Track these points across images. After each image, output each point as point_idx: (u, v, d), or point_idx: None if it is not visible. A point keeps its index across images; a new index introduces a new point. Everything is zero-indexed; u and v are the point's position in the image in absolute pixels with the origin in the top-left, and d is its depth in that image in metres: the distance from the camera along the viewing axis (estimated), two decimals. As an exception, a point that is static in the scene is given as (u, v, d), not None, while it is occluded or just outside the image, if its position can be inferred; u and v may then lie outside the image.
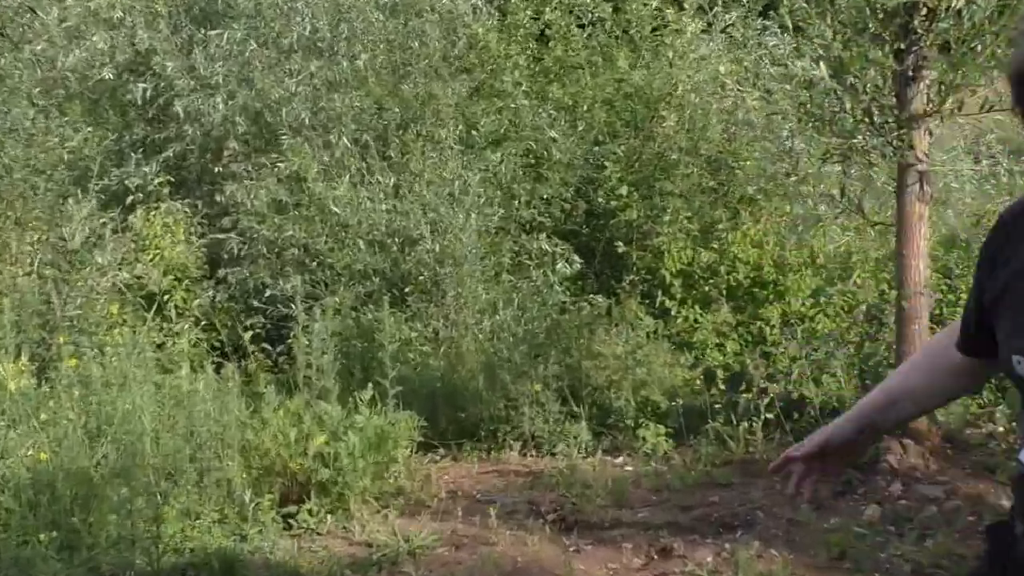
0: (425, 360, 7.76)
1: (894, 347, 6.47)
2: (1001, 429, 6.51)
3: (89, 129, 9.30)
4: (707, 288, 8.51)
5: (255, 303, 8.41)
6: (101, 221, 8.30)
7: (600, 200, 9.57)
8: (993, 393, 6.68)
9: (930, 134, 6.17)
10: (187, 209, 8.94)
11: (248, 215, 8.64)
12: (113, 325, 7.67)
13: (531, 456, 6.91)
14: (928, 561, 5.07)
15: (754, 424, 6.55)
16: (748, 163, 9.27)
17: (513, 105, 9.54)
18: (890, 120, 6.10)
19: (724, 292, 8.45)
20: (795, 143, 7.67)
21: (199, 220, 9.05)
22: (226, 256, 8.78)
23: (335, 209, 8.38)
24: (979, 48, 5.75)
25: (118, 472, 5.52)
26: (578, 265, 8.90)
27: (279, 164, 8.71)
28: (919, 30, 5.88)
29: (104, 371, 6.18)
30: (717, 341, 8.18)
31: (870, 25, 5.94)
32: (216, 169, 9.22)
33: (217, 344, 8.13)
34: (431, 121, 9.09)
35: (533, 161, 9.54)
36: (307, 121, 8.82)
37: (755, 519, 5.70)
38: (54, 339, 7.25)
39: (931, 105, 6.02)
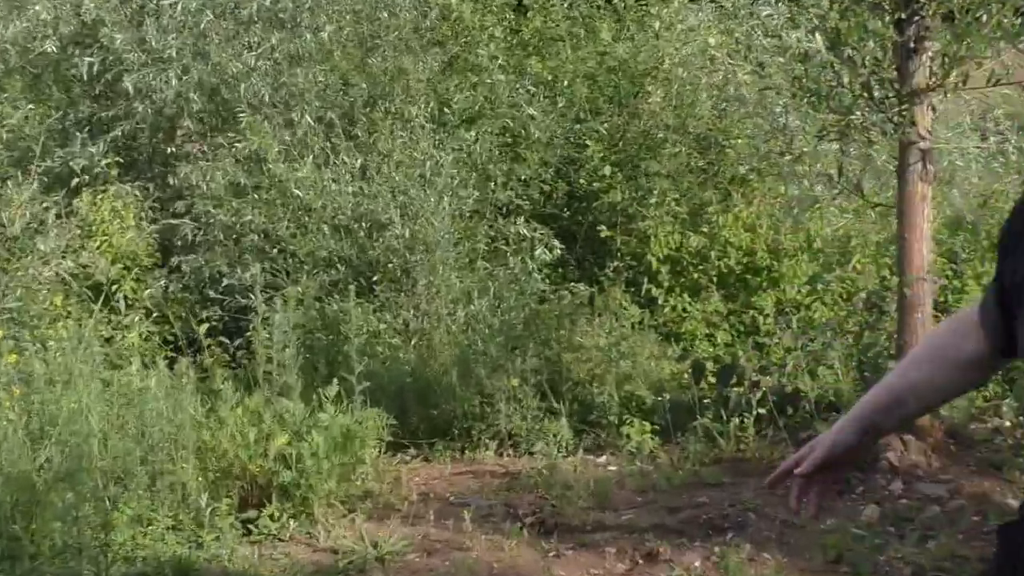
0: (394, 354, 7.75)
1: (895, 337, 6.50)
2: (1008, 424, 6.55)
3: (30, 106, 9.25)
4: (696, 275, 8.54)
5: (211, 293, 8.40)
6: (44, 206, 8.25)
7: (582, 181, 9.59)
8: (1000, 385, 6.72)
9: (933, 110, 6.19)
10: (137, 192, 8.91)
11: (204, 199, 8.62)
12: (57, 318, 7.62)
13: (508, 455, 6.92)
14: (930, 564, 5.09)
15: (746, 420, 6.56)
16: (739, 141, 9.30)
17: (489, 80, 9.54)
18: (890, 95, 6.12)
19: (714, 279, 8.49)
20: (789, 120, 7.70)
21: (150, 204, 9.02)
22: (180, 243, 8.77)
23: (297, 192, 8.37)
24: (985, 18, 5.76)
25: (63, 476, 5.48)
26: (558, 251, 8.91)
27: (237, 144, 8.70)
28: (921, -2, 5.90)
29: (47, 367, 6.14)
30: (707, 332, 8.21)
31: (868, -7, 5.95)
32: (169, 150, 9.21)
33: (170, 338, 8.10)
34: (401, 98, 9.08)
35: (510, 140, 9.55)
36: (267, 98, 8.80)
37: (746, 521, 5.71)
38: (-8, 333, 7.21)
39: (934, 79, 6.04)
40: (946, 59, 5.97)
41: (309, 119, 8.79)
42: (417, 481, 6.57)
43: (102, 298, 7.89)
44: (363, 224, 8.41)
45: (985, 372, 2.16)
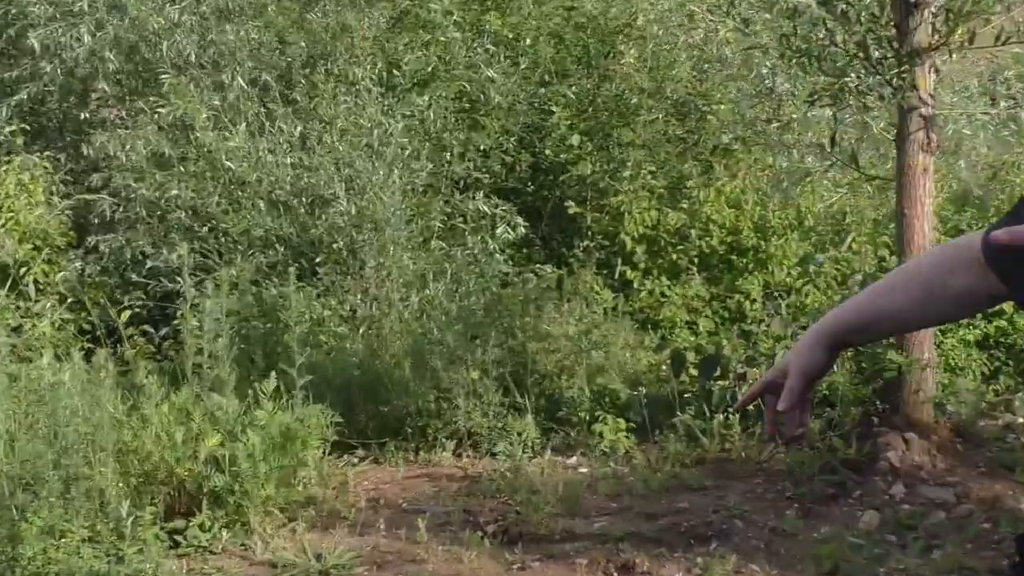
0: (340, 344, 7.74)
1: (895, 324, 6.53)
2: (1021, 420, 6.62)
3: (-78, 67, 9.16)
4: (675, 256, 8.57)
5: (133, 277, 8.34)
6: (-61, 179, 8.19)
7: (547, 152, 9.59)
8: (1012, 378, 6.78)
9: (936, 72, 6.23)
10: (47, 164, 8.84)
11: (123, 171, 8.54)
12: (-43, 305, 7.57)
13: (467, 457, 6.93)
14: None
15: (731, 417, 6.60)
16: (722, 107, 9.33)
17: (443, 38, 9.50)
18: (889, 55, 6.15)
19: (695, 260, 8.52)
20: (777, 83, 7.73)
21: (62, 177, 8.95)
22: (97, 221, 8.69)
23: (229, 164, 8.32)
24: (993, -32, 5.81)
25: (-36, 483, 5.45)
26: (522, 229, 8.91)
27: (160, 109, 8.62)
28: (924, -53, 5.93)
29: (-54, 360, 6.11)
30: (687, 319, 8.25)
31: (866, -59, 5.98)
32: (82, 116, 9.12)
33: (87, 326, 8.04)
34: (344, 58, 9.02)
35: (467, 106, 9.52)
36: (193, 57, 8.73)
37: (732, 528, 5.75)
38: None
39: (937, 37, 6.08)
40: (950, 15, 6.01)
41: (241, 81, 8.72)
42: (366, 486, 6.57)
43: (8, 282, 7.84)
44: (304, 199, 8.38)
45: (973, 309, 2.24)
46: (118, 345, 7.43)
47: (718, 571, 5.20)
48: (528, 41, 9.91)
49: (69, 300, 8.10)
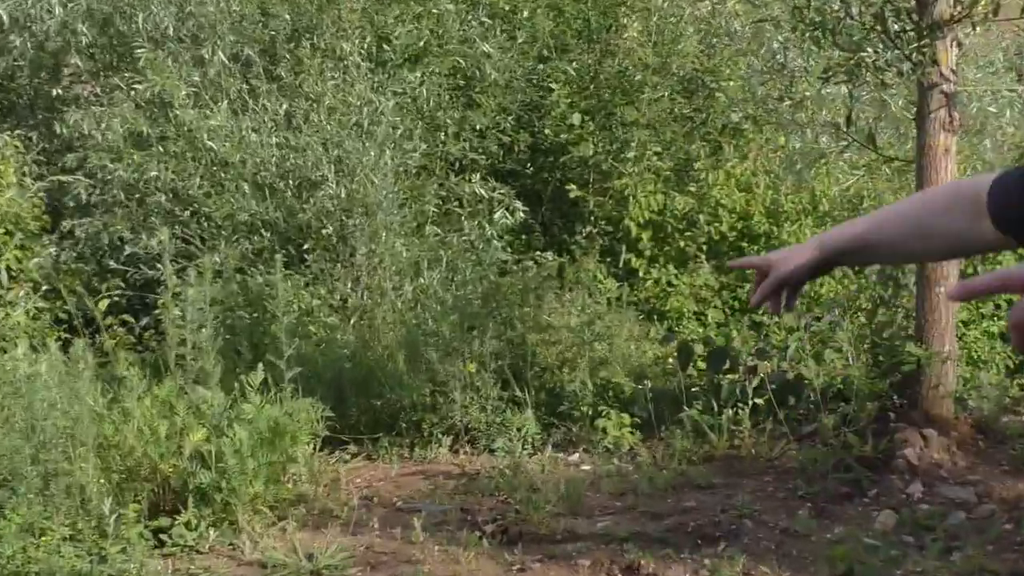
0: (331, 335, 7.79)
1: (914, 315, 6.58)
2: (1045, 416, 6.65)
3: None
4: (682, 243, 8.60)
5: (111, 263, 8.39)
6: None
7: (547, 132, 9.59)
8: (1035, 371, 6.82)
9: (959, 45, 6.25)
10: (18, 143, 8.85)
11: (99, 151, 8.57)
12: (-74, 294, 7.61)
13: (464, 453, 6.98)
14: (954, 578, 5.20)
15: (741, 411, 6.66)
16: (731, 84, 9.35)
17: (436, 11, 9.50)
18: (908, 28, 6.17)
19: (704, 247, 8.55)
20: (789, 58, 7.75)
21: (34, 158, 8.97)
22: (72, 204, 8.74)
23: (211, 143, 8.35)
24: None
25: (-64, 480, 5.50)
26: (521, 214, 8.96)
27: (136, 86, 8.64)
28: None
29: (-83, 351, 6.15)
30: (695, 309, 8.27)
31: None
32: (54, 92, 9.13)
33: (63, 316, 8.07)
34: (331, 31, 9.03)
35: (462, 83, 9.53)
36: (171, 30, 8.75)
37: (741, 529, 5.80)
38: None
39: (960, 8, 6.10)
40: (974, -15, 6.03)
41: (222, 56, 8.74)
42: (359, 483, 6.62)
43: (-21, 270, 7.87)
44: (290, 182, 8.42)
45: (963, 253, 2.35)
46: (96, 335, 7.44)
47: (726, 573, 5.23)
48: (525, 14, 9.90)
49: (44, 288, 8.12)
